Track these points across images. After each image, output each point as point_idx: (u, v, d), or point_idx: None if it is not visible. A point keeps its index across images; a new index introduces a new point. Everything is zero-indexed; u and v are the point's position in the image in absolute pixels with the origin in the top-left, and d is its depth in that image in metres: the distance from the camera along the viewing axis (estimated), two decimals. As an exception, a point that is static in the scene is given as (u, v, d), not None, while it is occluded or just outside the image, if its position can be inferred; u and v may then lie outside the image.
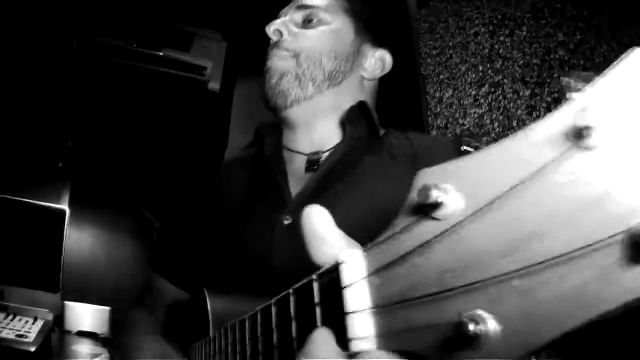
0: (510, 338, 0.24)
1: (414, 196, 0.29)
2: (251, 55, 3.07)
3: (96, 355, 2.16)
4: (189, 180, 2.94)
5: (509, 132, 1.60)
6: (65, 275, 2.30)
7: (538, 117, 1.52)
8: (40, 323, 2.03)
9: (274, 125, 1.12)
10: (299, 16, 1.11)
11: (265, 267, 0.89)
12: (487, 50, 1.80)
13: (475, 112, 1.79)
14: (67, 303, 2.27)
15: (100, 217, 2.85)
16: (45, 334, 1.97)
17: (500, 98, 1.69)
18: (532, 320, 0.24)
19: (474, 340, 0.24)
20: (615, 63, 0.22)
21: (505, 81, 1.69)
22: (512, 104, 1.64)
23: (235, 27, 3.10)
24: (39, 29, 2.76)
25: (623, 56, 0.22)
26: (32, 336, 1.86)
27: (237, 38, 3.15)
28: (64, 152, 2.50)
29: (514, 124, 1.62)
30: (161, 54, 2.83)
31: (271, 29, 1.08)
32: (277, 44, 1.08)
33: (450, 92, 1.93)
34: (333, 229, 0.40)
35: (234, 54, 3.16)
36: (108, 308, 2.36)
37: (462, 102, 1.86)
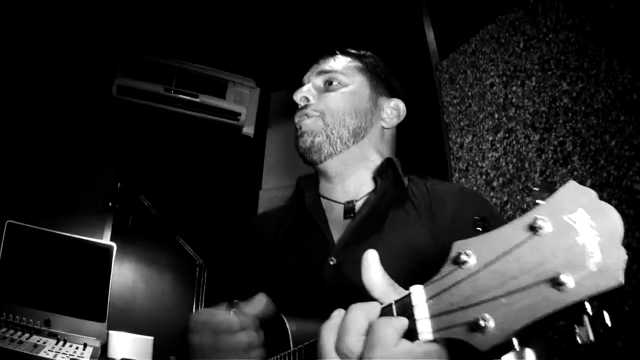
0: (498, 327, 0.47)
1: (452, 255, 0.53)
2: (282, 100, 3.26)
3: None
4: (225, 217, 3.09)
5: (522, 173, 1.75)
6: (109, 306, 2.45)
7: (547, 159, 1.66)
8: (90, 349, 2.16)
9: (311, 177, 1.27)
10: (320, 80, 1.25)
11: (316, 298, 1.00)
12: (501, 99, 1.94)
13: (492, 156, 1.92)
14: (112, 332, 2.41)
15: (141, 252, 3.00)
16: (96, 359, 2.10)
17: (514, 142, 1.82)
18: (510, 318, 0.46)
19: (482, 328, 0.48)
20: (558, 189, 0.46)
21: (518, 127, 1.82)
22: (523, 148, 1.77)
23: (267, 74, 3.28)
24: (80, 73, 2.95)
25: (565, 185, 0.46)
26: (84, 360, 2.00)
27: (269, 84, 3.31)
28: (114, 192, 2.65)
29: (526, 165, 1.74)
30: (198, 99, 2.97)
31: (298, 96, 1.22)
32: (304, 108, 1.21)
33: (470, 137, 2.07)
34: (379, 271, 0.62)
35: (266, 100, 3.30)
36: (151, 337, 2.48)
37: (480, 146, 2.00)
